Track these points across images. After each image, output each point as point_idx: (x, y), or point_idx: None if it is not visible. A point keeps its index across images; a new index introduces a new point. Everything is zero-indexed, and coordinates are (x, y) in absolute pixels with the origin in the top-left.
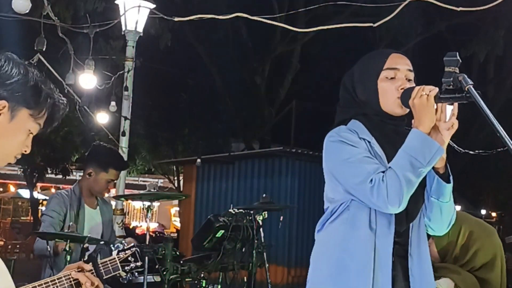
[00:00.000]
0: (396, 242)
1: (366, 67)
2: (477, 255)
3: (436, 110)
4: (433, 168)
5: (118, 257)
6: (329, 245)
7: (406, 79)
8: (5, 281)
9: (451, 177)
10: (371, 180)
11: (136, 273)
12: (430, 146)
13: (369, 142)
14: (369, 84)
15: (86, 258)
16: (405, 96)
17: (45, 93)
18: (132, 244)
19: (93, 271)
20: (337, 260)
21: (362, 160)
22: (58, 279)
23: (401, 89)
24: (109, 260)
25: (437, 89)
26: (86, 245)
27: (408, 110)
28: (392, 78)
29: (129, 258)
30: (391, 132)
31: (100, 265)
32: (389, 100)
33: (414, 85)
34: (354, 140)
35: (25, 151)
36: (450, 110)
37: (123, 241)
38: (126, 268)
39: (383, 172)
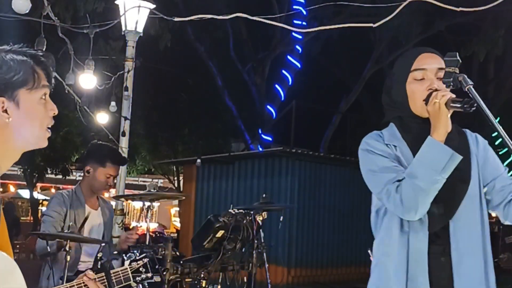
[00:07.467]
0: (434, 241)
1: (397, 68)
2: None
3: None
4: None
5: (130, 267)
6: (375, 249)
7: (438, 79)
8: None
9: None
10: (387, 190)
11: (147, 284)
12: (443, 154)
13: (395, 146)
14: (400, 86)
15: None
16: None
17: (28, 64)
18: (144, 255)
19: (104, 279)
20: (377, 263)
21: (382, 169)
22: (70, 287)
23: (429, 89)
24: (121, 270)
25: (449, 95)
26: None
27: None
28: (421, 79)
29: (141, 269)
30: (424, 135)
31: (112, 275)
32: (416, 102)
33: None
34: (379, 148)
35: (54, 113)
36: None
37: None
38: (137, 278)
39: (401, 180)
